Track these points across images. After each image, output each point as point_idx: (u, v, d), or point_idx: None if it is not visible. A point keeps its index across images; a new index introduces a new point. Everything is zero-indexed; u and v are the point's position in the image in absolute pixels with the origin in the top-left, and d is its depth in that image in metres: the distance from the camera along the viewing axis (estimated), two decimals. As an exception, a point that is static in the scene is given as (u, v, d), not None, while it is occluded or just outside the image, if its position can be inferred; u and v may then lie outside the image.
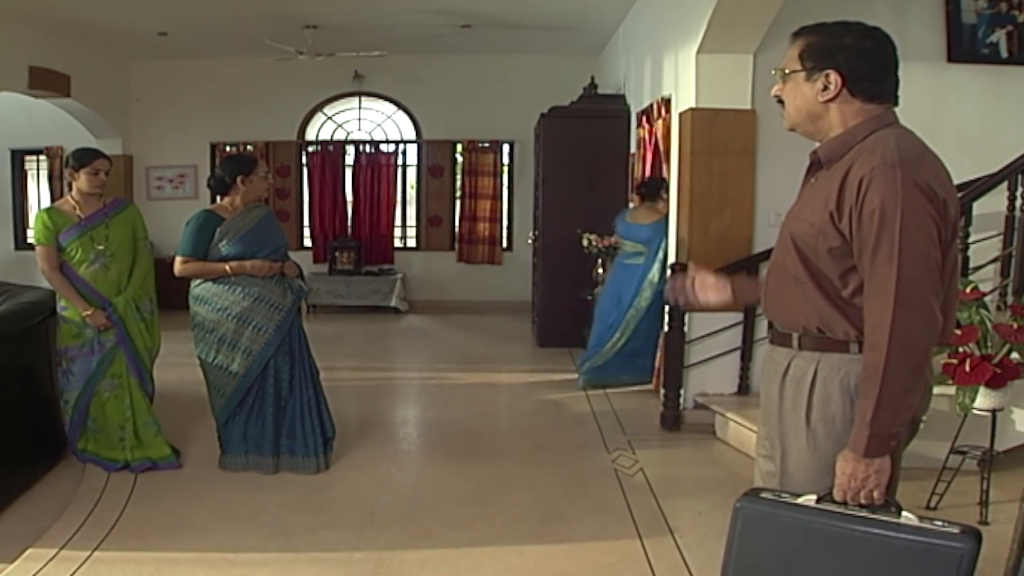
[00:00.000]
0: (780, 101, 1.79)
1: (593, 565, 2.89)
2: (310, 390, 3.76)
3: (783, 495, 1.67)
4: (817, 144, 1.77)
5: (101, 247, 3.69)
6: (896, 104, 1.71)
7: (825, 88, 1.67)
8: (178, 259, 3.64)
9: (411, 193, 9.23)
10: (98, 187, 3.72)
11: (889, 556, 1.53)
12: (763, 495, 1.67)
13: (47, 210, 3.74)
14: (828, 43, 1.67)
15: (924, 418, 1.76)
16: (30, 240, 9.11)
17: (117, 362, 3.73)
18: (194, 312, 3.69)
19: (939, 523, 1.52)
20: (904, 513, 1.56)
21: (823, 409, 1.69)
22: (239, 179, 3.68)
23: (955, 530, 1.49)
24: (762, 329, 4.27)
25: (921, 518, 1.54)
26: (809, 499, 1.63)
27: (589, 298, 6.29)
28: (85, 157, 3.70)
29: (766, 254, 4.32)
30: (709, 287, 2.02)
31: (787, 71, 1.73)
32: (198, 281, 3.68)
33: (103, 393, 3.72)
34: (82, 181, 3.69)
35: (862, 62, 1.65)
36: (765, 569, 1.66)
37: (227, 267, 3.61)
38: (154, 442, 3.77)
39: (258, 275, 3.62)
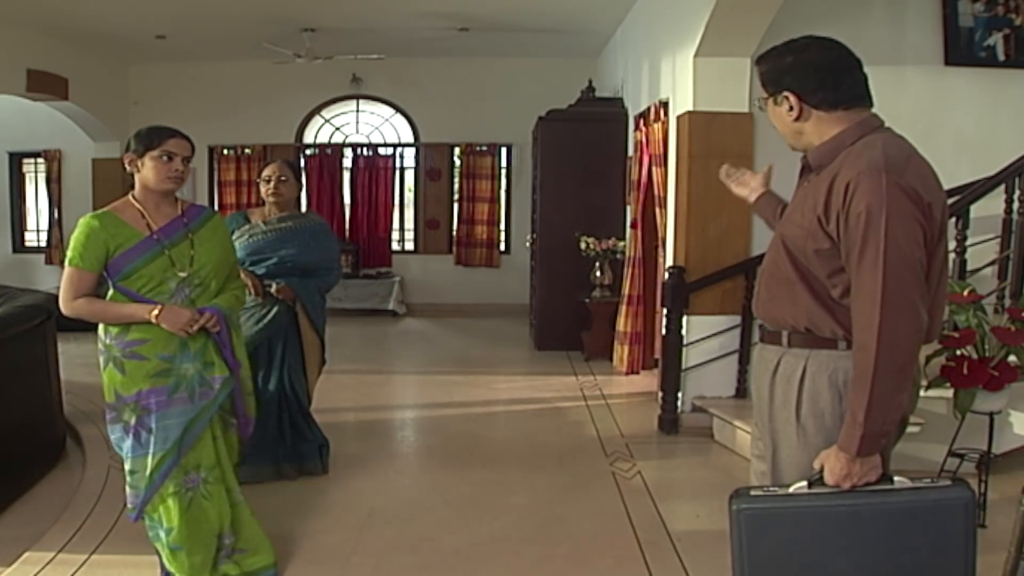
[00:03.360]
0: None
1: (591, 568, 2.88)
2: (297, 403, 3.72)
3: (771, 488, 1.69)
4: None
5: (184, 274, 2.46)
6: (871, 104, 1.73)
7: (790, 109, 1.73)
8: None
9: (409, 196, 9.23)
10: (173, 181, 2.48)
11: (897, 521, 1.58)
12: (753, 492, 1.68)
13: (98, 216, 2.44)
14: (775, 67, 1.75)
15: (916, 420, 1.80)
16: (28, 243, 9.11)
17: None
18: None
19: (927, 480, 1.61)
20: (896, 478, 1.62)
21: (812, 405, 1.73)
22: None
23: (947, 483, 1.59)
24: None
25: (912, 479, 1.61)
26: (800, 486, 1.66)
27: (587, 301, 6.30)
28: (153, 136, 2.45)
29: (763, 257, 4.33)
30: (746, 184, 2.19)
31: (763, 98, 1.81)
32: None
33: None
34: (147, 172, 2.45)
35: (806, 76, 1.70)
36: (780, 564, 1.66)
37: None
38: (261, 543, 2.75)
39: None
